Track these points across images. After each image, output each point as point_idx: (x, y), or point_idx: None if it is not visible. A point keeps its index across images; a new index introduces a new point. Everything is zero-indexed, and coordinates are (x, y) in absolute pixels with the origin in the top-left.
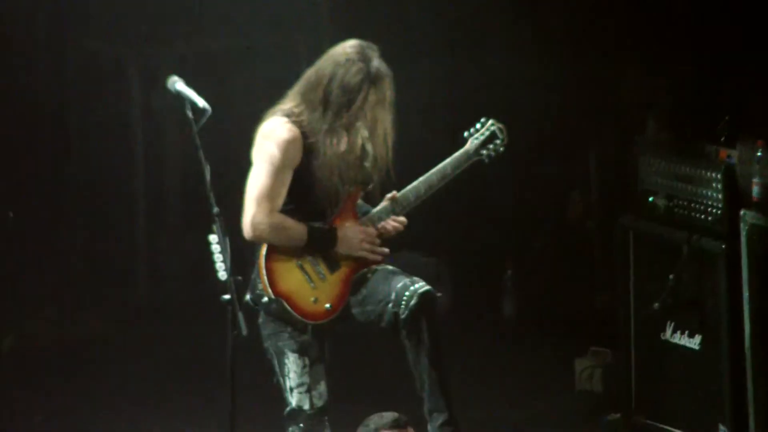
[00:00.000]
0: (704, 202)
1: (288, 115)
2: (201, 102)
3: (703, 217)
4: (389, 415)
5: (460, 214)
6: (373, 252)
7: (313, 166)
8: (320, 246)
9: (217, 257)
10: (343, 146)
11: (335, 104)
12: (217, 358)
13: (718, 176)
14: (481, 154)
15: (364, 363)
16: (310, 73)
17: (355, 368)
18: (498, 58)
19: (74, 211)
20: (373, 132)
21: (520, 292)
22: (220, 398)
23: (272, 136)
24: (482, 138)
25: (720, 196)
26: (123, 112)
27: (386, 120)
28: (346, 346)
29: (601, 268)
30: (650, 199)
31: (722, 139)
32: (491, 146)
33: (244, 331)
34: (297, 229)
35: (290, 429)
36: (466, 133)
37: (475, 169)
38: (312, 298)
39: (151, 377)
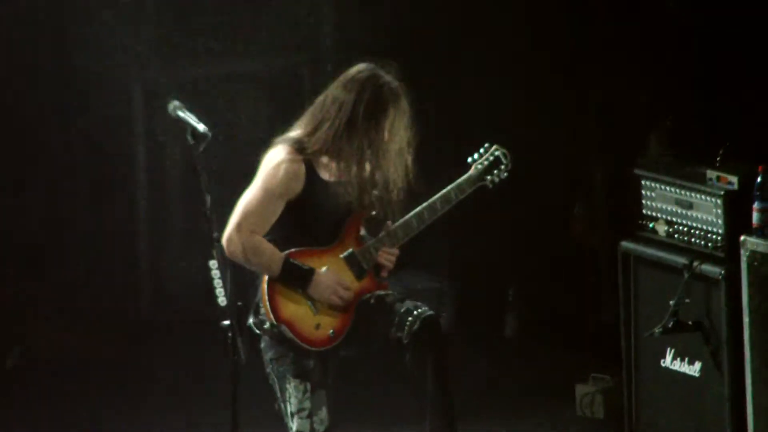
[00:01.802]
0: (705, 227)
1: (297, 144)
2: (202, 127)
3: (703, 242)
4: None
5: (463, 234)
6: (342, 302)
7: (320, 193)
8: (292, 282)
9: (217, 282)
10: (363, 171)
11: (362, 129)
12: (219, 378)
13: (719, 202)
14: (485, 180)
15: (367, 387)
16: (325, 100)
17: (357, 393)
18: (500, 77)
19: (77, 229)
20: (391, 152)
21: (522, 313)
22: (222, 418)
23: (276, 165)
24: (486, 163)
25: (720, 221)
26: (127, 132)
27: (405, 138)
28: (349, 370)
29: (603, 290)
30: (651, 225)
31: (723, 164)
32: (495, 171)
33: (244, 358)
34: (272, 257)
35: None
36: (470, 159)
37: (477, 188)
38: (315, 325)
39: (153, 396)
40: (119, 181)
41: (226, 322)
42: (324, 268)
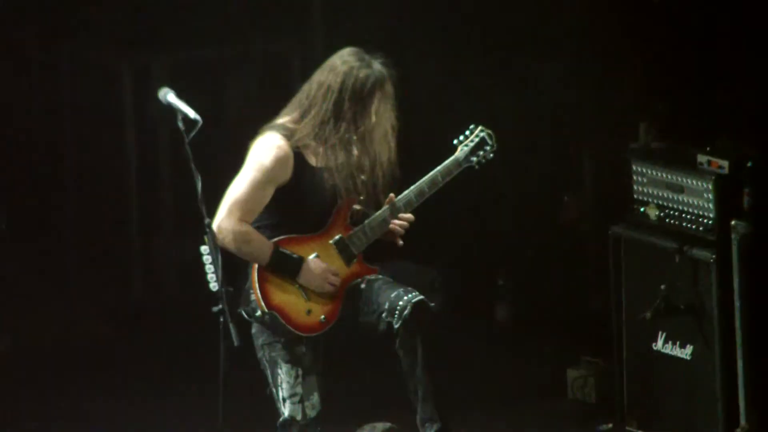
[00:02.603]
0: (695, 212)
1: (285, 131)
2: (192, 113)
3: (694, 227)
4: (382, 426)
5: (453, 221)
6: (332, 288)
7: (309, 180)
8: (281, 270)
9: (209, 268)
10: (351, 156)
11: (349, 114)
12: (211, 363)
13: (710, 186)
14: (471, 161)
15: (358, 373)
16: (310, 87)
17: (349, 378)
18: (491, 63)
19: (68, 216)
20: (377, 136)
21: (513, 299)
22: (213, 405)
23: (264, 152)
24: (472, 145)
25: (711, 206)
26: (116, 118)
27: (391, 120)
28: (340, 355)
29: (594, 275)
30: (642, 209)
31: (714, 148)
32: (481, 153)
33: (237, 342)
34: (262, 246)
35: None
36: (455, 141)
37: (466, 174)
38: (306, 311)
39: (145, 381)
40: (109, 167)
41: (218, 307)
42: (313, 255)
